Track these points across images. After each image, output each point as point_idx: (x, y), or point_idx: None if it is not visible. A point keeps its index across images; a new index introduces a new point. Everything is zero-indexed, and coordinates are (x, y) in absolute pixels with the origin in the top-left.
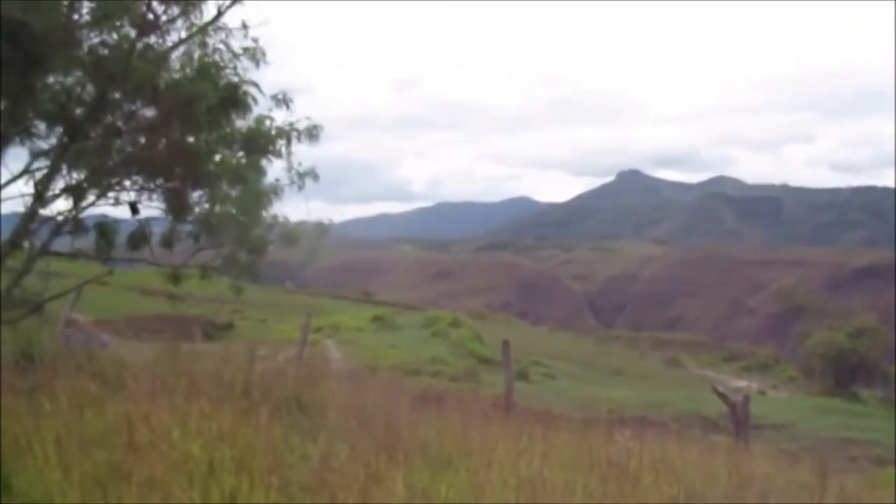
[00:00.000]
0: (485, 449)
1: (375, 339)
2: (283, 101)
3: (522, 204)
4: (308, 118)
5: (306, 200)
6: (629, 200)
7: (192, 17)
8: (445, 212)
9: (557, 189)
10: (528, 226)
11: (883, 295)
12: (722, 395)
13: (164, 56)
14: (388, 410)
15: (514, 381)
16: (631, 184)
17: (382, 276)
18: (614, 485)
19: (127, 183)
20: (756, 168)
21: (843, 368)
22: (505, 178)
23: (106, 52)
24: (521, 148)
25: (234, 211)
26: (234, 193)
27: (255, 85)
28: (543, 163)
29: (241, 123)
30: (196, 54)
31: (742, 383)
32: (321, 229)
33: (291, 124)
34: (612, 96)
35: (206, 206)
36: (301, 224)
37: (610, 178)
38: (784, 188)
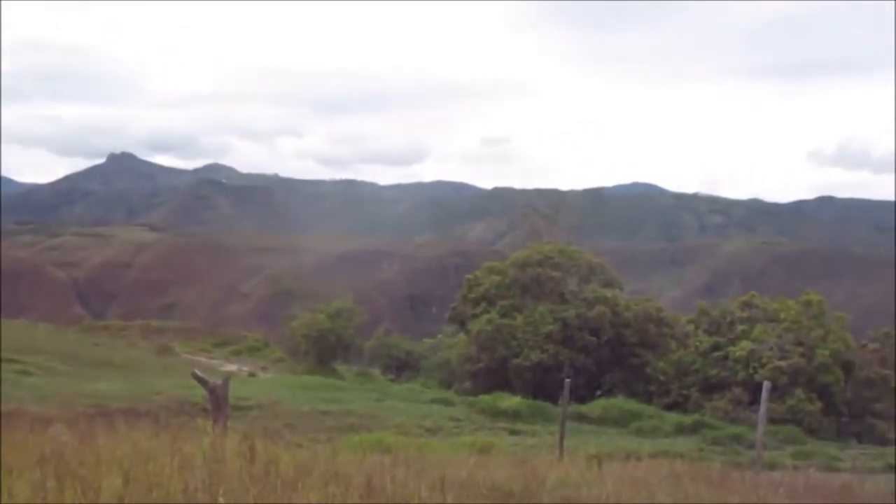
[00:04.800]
0: None
1: None
2: None
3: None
4: None
5: None
6: (122, 185)
7: None
8: None
9: (41, 169)
10: (6, 209)
11: (359, 277)
12: (200, 379)
13: None
14: None
15: None
16: (124, 167)
17: None
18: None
19: None
20: (250, 157)
21: (324, 347)
22: None
23: None
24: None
25: None
26: None
27: None
28: (25, 139)
29: None
30: None
31: (233, 367)
32: None
33: None
34: (105, 73)
35: None
36: None
37: (101, 161)
38: (275, 178)
